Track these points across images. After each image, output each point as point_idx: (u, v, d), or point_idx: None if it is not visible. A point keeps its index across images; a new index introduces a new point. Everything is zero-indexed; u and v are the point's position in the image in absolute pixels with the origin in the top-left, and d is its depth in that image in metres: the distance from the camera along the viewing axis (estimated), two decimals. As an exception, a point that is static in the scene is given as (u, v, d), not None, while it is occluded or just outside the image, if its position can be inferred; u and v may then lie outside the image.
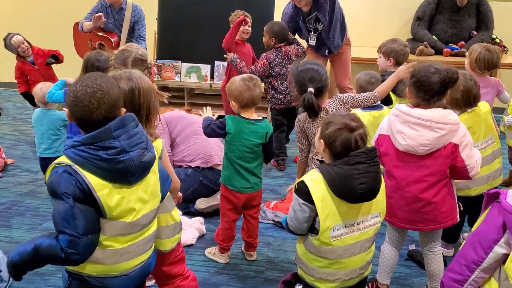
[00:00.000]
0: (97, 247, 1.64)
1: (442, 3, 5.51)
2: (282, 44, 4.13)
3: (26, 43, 4.36)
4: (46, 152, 3.54)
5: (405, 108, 2.20)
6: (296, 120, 2.69)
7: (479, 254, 1.62)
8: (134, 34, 4.85)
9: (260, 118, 2.62)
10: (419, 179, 2.22)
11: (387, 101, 3.25)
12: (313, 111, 2.51)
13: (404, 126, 2.18)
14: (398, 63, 3.30)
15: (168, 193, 1.98)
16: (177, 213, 2.09)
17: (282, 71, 4.09)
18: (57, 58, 4.48)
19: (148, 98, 1.91)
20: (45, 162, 3.56)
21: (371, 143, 2.35)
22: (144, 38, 4.88)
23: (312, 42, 4.43)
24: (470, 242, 1.67)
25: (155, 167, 1.78)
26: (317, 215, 1.83)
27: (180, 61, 5.48)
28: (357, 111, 2.98)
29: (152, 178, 1.76)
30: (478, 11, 5.49)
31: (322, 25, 4.31)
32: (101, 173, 1.57)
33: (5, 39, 4.37)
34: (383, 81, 2.99)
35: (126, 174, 1.61)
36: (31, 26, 6.27)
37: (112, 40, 4.74)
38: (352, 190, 1.78)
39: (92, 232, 1.59)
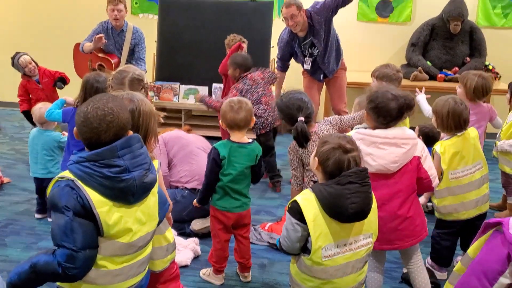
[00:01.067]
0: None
1: (436, 30, 5.63)
2: (247, 72, 4.21)
3: (33, 63, 4.43)
4: (39, 173, 3.56)
5: (368, 131, 2.30)
6: (288, 148, 2.74)
7: (484, 284, 1.64)
8: (134, 56, 4.93)
9: (250, 140, 2.67)
10: (393, 196, 2.30)
11: None
12: (305, 139, 2.58)
13: (372, 148, 2.27)
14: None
15: None
16: (170, 234, 2.10)
17: (254, 96, 4.12)
18: (65, 81, 4.57)
19: (147, 121, 1.94)
20: (38, 182, 3.58)
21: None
22: (144, 60, 4.95)
23: (307, 67, 4.51)
24: (473, 272, 1.68)
25: (155, 190, 1.80)
26: (309, 234, 1.85)
27: (179, 83, 5.55)
28: (351, 133, 3.04)
29: (152, 200, 1.78)
30: (471, 38, 5.62)
31: (317, 50, 4.39)
32: (103, 191, 1.60)
33: (12, 58, 4.42)
34: None
35: (127, 193, 1.63)
36: (32, 47, 6.34)
37: (112, 61, 4.81)
38: (343, 210, 1.80)
39: (91, 247, 1.61)
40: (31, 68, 4.40)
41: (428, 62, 5.59)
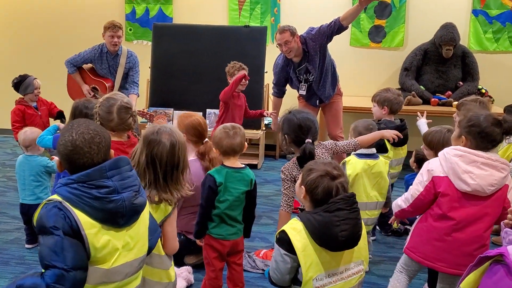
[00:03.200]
0: None
1: (429, 54, 5.67)
2: None
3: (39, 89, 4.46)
4: (28, 199, 3.50)
5: (469, 149, 2.25)
6: (282, 168, 2.70)
7: None
8: (128, 79, 4.94)
9: (243, 165, 2.63)
10: (479, 219, 2.26)
11: (382, 149, 3.30)
12: (312, 160, 2.54)
13: (471, 166, 2.22)
14: (392, 112, 3.39)
15: (164, 252, 2.00)
16: (173, 273, 2.05)
17: None
18: (64, 115, 4.58)
19: (184, 153, 2.00)
20: (25, 208, 3.51)
21: (416, 185, 2.39)
22: (137, 84, 4.96)
23: (303, 92, 4.51)
24: None
25: (145, 215, 1.77)
26: (299, 265, 1.80)
27: (172, 109, 5.53)
28: (353, 158, 3.04)
29: (142, 226, 1.75)
30: (464, 63, 5.66)
31: (312, 76, 4.39)
32: (91, 212, 1.57)
33: (23, 77, 4.38)
34: (379, 129, 3.10)
35: (116, 214, 1.61)
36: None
37: (106, 84, 4.83)
38: (333, 238, 1.76)
39: (81, 268, 1.56)
40: (37, 93, 4.43)
41: (422, 87, 5.61)
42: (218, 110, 5.25)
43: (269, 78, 4.88)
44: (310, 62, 4.32)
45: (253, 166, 5.44)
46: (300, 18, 5.96)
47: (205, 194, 2.55)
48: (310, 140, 2.56)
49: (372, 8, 5.98)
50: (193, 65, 5.58)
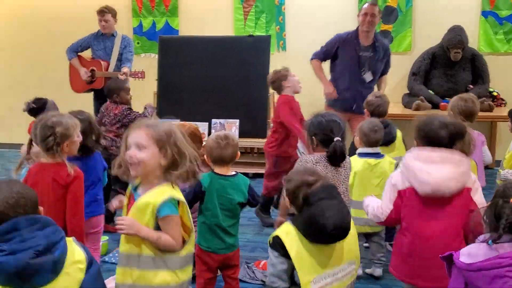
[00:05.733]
0: None
1: (437, 58, 5.57)
2: None
3: None
4: None
5: (424, 147, 2.22)
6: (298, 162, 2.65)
7: None
8: (122, 58, 5.28)
9: (233, 173, 2.59)
10: (446, 227, 2.15)
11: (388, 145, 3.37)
12: (343, 157, 2.56)
13: (428, 165, 2.15)
14: (375, 114, 3.48)
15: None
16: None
17: None
18: None
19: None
20: None
21: (380, 208, 2.32)
22: (130, 61, 5.25)
23: (369, 78, 4.46)
24: None
25: (71, 279, 1.64)
26: (294, 268, 1.82)
27: (178, 120, 5.53)
28: (353, 157, 3.02)
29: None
30: (473, 65, 5.54)
31: (370, 73, 4.42)
32: None
33: (42, 103, 4.28)
34: None
35: (8, 275, 1.52)
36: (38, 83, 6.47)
37: (102, 63, 5.23)
38: (321, 228, 1.78)
39: None
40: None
41: (431, 91, 5.51)
42: (223, 120, 5.27)
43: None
44: (374, 56, 4.38)
45: (259, 175, 5.40)
46: (305, 26, 5.94)
47: (189, 196, 2.47)
48: (339, 138, 2.53)
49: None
50: (198, 76, 5.60)
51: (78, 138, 2.46)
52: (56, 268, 1.61)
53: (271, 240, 1.88)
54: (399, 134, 3.61)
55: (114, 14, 5.26)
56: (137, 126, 1.90)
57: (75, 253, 1.66)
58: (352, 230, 1.91)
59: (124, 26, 6.43)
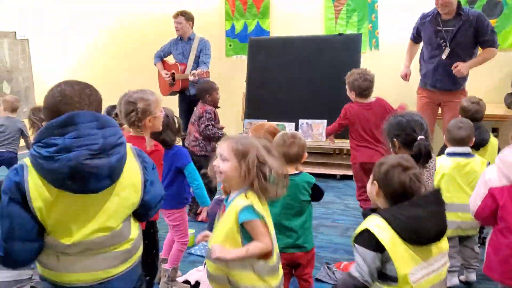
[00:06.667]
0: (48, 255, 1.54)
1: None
2: None
3: None
4: None
5: None
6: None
7: None
8: (199, 61, 5.36)
9: (297, 172, 2.51)
10: None
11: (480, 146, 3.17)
12: (429, 157, 2.43)
13: None
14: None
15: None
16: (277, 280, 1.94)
17: None
18: None
19: None
20: None
21: (471, 202, 2.25)
22: (207, 65, 5.28)
23: (444, 55, 4.20)
24: None
25: (124, 184, 1.60)
26: (386, 262, 1.73)
27: (266, 120, 5.59)
28: (442, 158, 2.90)
29: (115, 200, 1.57)
30: None
31: (448, 49, 4.16)
32: (44, 174, 1.45)
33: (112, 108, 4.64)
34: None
35: (61, 176, 1.44)
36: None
37: (179, 67, 5.38)
38: (423, 232, 1.72)
39: (19, 239, 1.47)
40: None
41: (539, 89, 5.02)
42: (310, 120, 5.23)
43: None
44: (461, 28, 4.11)
45: (347, 177, 5.28)
46: (399, 24, 5.70)
47: None
48: (423, 137, 2.38)
49: (481, 7, 5.51)
50: (286, 77, 5.60)
51: (161, 113, 2.49)
52: (113, 174, 1.53)
53: (359, 235, 1.78)
54: (494, 141, 3.35)
55: (187, 17, 5.30)
56: (225, 138, 1.92)
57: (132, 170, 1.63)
58: None
59: (216, 29, 6.64)
